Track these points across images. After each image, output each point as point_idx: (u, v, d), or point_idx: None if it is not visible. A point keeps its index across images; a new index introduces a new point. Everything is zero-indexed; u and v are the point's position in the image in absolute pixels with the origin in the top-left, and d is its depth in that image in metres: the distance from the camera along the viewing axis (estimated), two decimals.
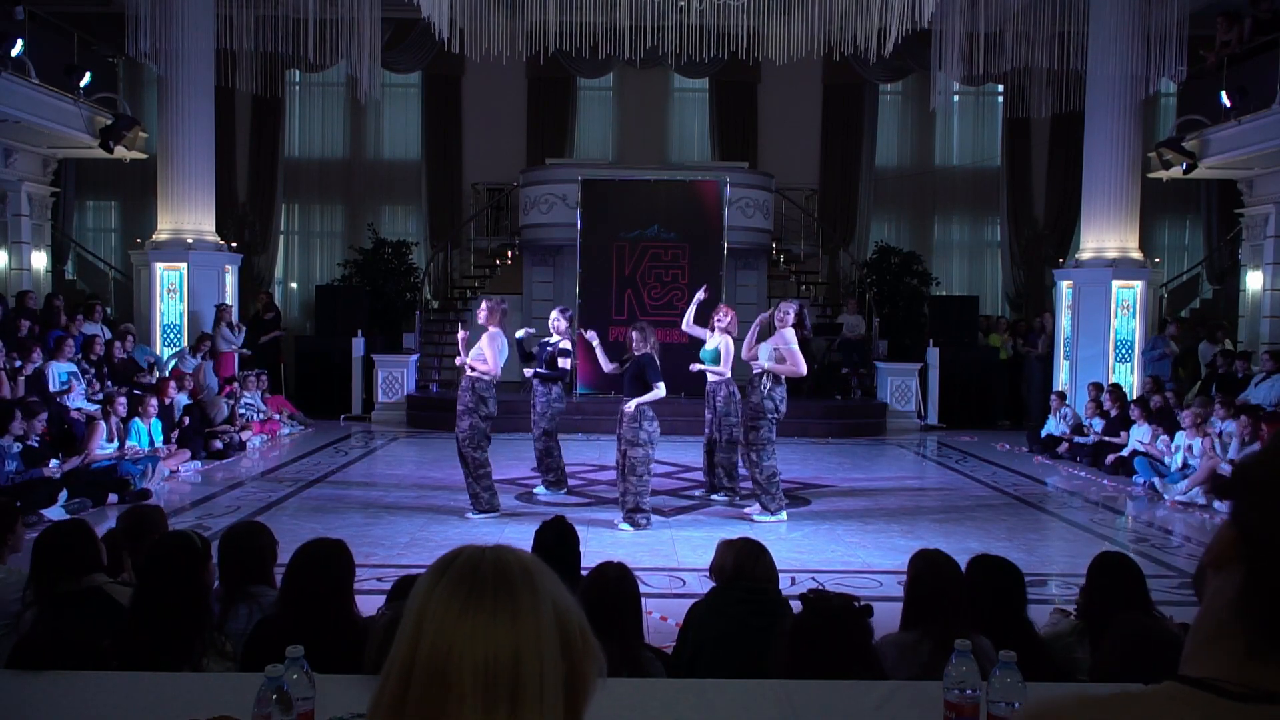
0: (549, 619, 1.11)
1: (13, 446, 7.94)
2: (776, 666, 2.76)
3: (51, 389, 9.74)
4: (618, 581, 3.20)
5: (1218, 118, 12.40)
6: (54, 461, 8.23)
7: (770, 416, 7.80)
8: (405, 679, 1.08)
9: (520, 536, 7.20)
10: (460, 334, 8.09)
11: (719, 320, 8.31)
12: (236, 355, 12.85)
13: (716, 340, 8.30)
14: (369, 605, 3.58)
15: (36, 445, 8.23)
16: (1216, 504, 8.55)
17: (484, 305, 8.01)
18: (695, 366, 8.30)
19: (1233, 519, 1.02)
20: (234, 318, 13.04)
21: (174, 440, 10.10)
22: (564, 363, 8.62)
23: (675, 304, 13.31)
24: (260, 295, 14.70)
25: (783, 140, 16.45)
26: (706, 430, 8.53)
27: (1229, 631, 0.98)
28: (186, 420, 10.44)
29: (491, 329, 7.81)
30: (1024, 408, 14.46)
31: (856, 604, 2.83)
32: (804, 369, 8.09)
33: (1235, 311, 14.04)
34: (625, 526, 7.47)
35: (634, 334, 7.63)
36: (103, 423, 9.08)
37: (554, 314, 8.81)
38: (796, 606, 2.98)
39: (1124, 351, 12.68)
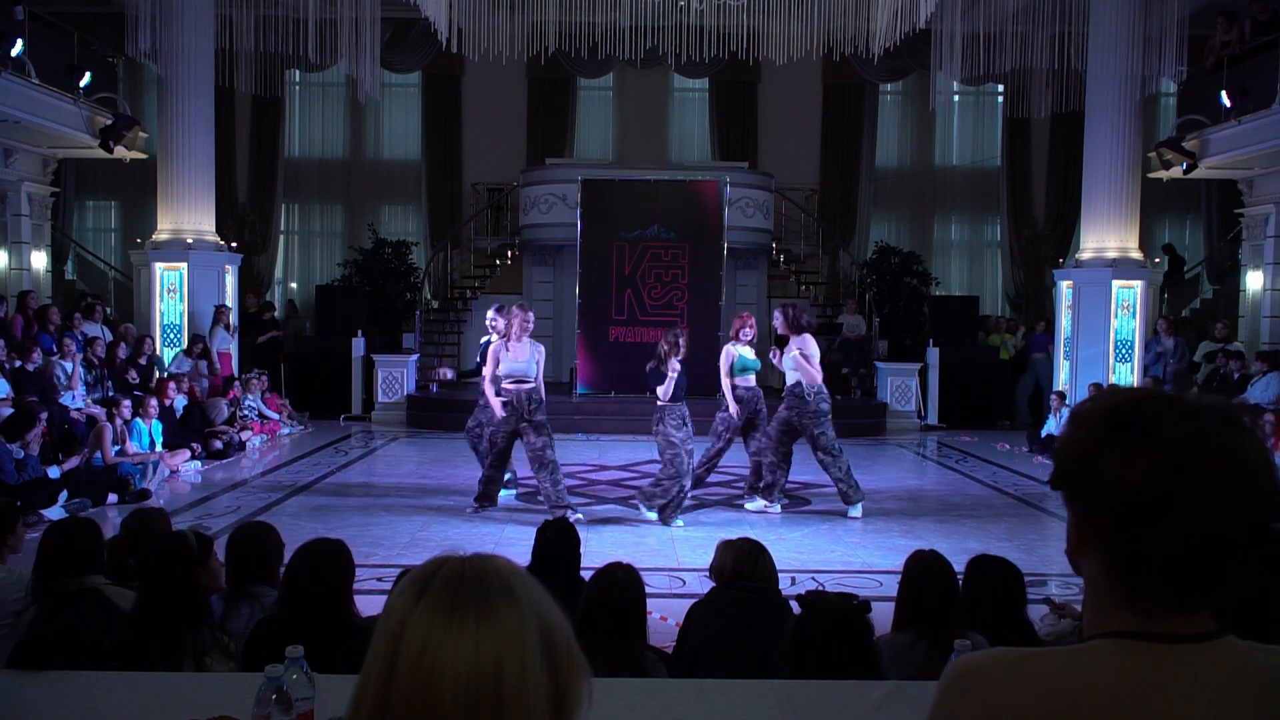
0: (533, 632, 1.04)
1: (17, 451, 7.95)
2: (782, 667, 2.77)
3: (62, 386, 9.76)
4: (624, 582, 3.20)
5: (1218, 118, 12.39)
6: (53, 470, 8.22)
7: (827, 416, 8.14)
8: (383, 700, 1.02)
9: (521, 536, 7.21)
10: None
11: (747, 334, 8.35)
12: (234, 356, 12.82)
13: (751, 353, 8.36)
14: (369, 605, 3.58)
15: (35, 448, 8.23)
16: None
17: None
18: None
19: (1070, 510, 1.18)
20: (233, 319, 12.99)
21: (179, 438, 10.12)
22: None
23: (675, 304, 13.33)
24: (249, 295, 14.60)
25: (783, 140, 16.45)
26: (733, 435, 8.41)
27: (1115, 601, 1.14)
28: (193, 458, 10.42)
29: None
30: (1015, 408, 14.53)
31: (855, 601, 2.84)
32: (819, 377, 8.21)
33: (1236, 311, 14.04)
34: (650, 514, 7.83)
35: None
36: (109, 425, 9.07)
37: (490, 313, 8.62)
38: (797, 607, 2.98)
39: (1124, 351, 12.68)
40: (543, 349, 8.00)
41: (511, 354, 7.73)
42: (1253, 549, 1.11)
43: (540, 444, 7.70)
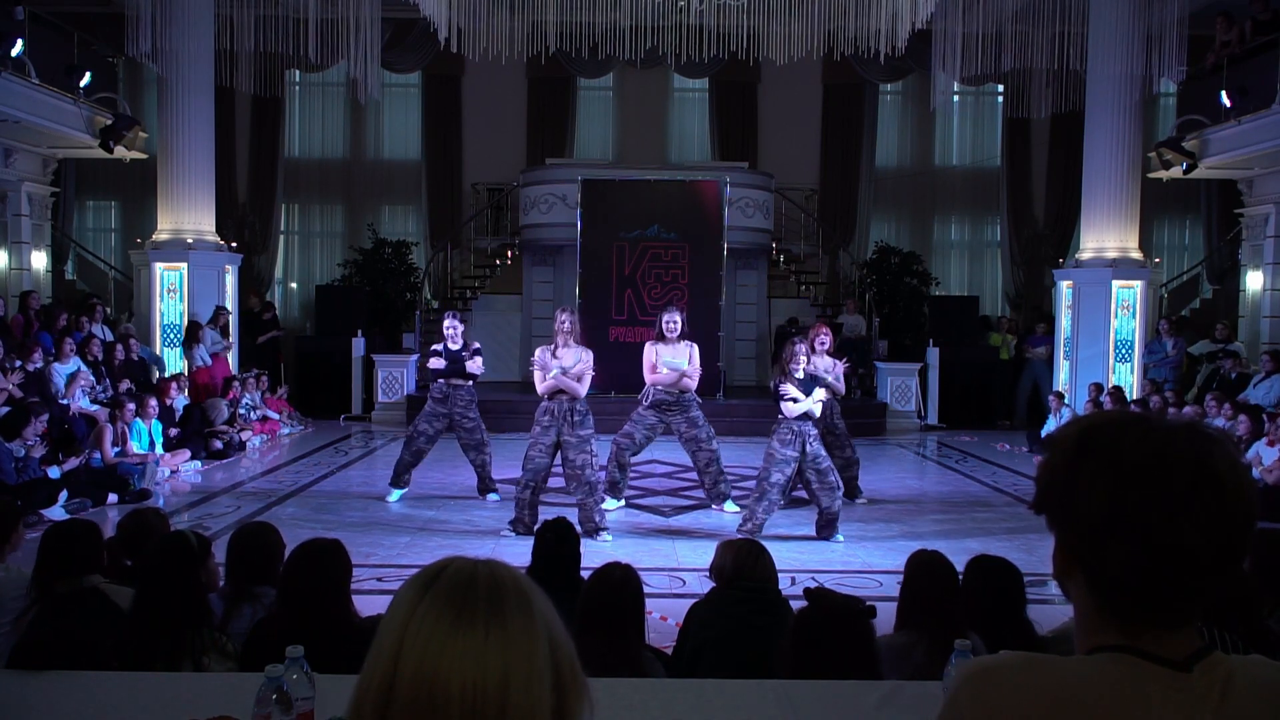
0: (542, 645, 1.03)
1: (18, 450, 7.95)
2: (782, 666, 2.77)
3: (59, 388, 9.76)
4: (622, 582, 3.20)
5: (1218, 118, 12.39)
6: (53, 470, 8.22)
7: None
8: (384, 702, 1.00)
9: (521, 539, 7.21)
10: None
11: (822, 345, 8.47)
12: (229, 356, 12.76)
13: (829, 363, 8.44)
14: (369, 605, 3.58)
15: (34, 443, 8.23)
16: None
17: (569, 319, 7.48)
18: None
19: (1053, 533, 1.20)
20: (231, 321, 12.92)
21: (173, 437, 10.11)
22: (476, 366, 8.43)
23: (675, 304, 13.31)
24: (251, 296, 14.65)
25: (783, 140, 16.45)
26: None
27: (1101, 621, 1.16)
28: (175, 432, 10.41)
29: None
30: (1014, 408, 14.57)
31: (862, 605, 2.83)
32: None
33: (1236, 311, 14.04)
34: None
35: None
36: (109, 425, 9.07)
37: (449, 321, 8.51)
38: (797, 606, 2.98)
39: (1124, 352, 12.68)
40: (590, 354, 7.39)
41: (559, 361, 7.30)
42: (1227, 563, 1.11)
43: (581, 462, 7.24)
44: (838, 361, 8.60)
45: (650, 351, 8.09)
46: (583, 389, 7.32)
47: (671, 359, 8.04)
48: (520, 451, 7.71)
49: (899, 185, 17.02)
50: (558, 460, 7.45)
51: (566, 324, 7.41)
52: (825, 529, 7.38)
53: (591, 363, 7.41)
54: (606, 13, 12.08)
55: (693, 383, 8.09)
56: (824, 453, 7.31)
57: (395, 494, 8.60)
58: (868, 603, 2.86)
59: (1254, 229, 13.54)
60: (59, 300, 12.94)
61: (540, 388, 7.36)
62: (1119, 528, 1.11)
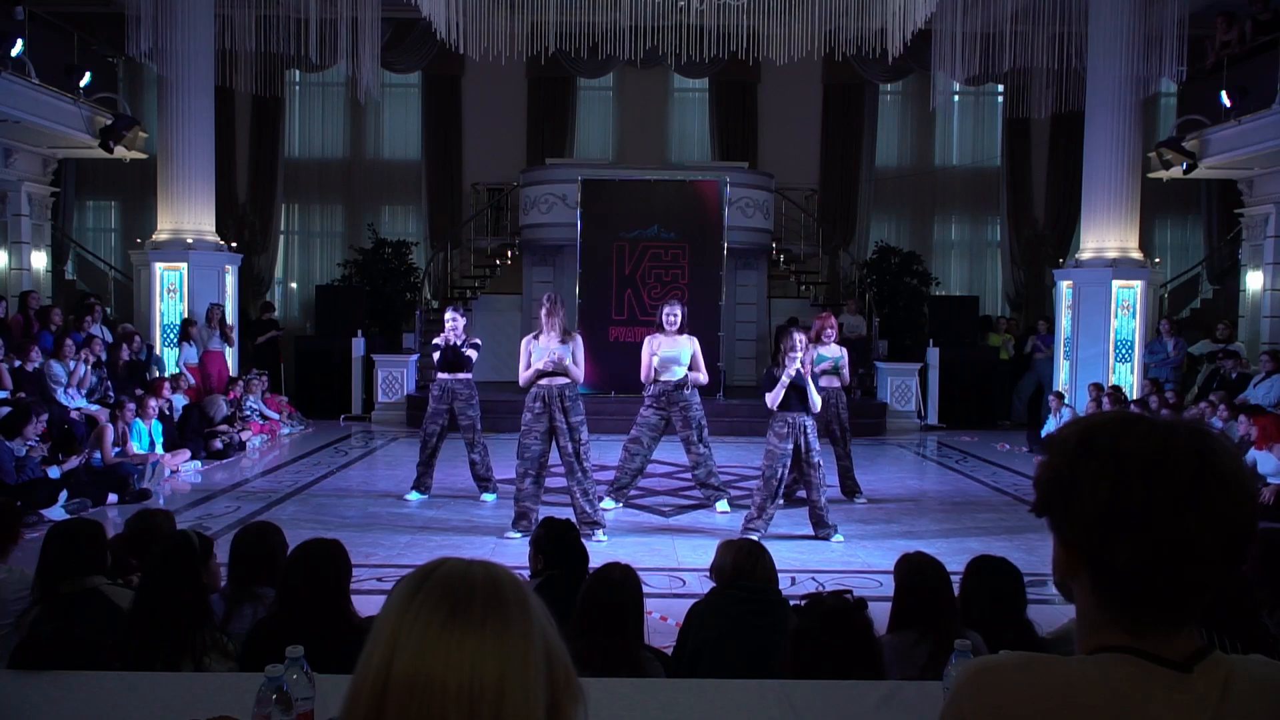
0: (539, 646, 1.02)
1: (18, 449, 7.95)
2: (783, 668, 2.77)
3: (60, 385, 9.77)
4: (621, 582, 3.20)
5: (1218, 118, 12.39)
6: (53, 470, 8.23)
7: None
8: (378, 701, 0.99)
9: (520, 541, 7.20)
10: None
11: (830, 335, 8.61)
12: (227, 355, 12.76)
13: (836, 350, 8.62)
14: (368, 605, 3.58)
15: (34, 445, 8.23)
16: None
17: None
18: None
19: (1056, 536, 1.20)
20: (230, 318, 12.92)
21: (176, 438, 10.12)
22: (471, 353, 8.52)
23: (675, 297, 13.32)
24: (256, 302, 14.71)
25: (783, 140, 16.45)
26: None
27: (1105, 620, 1.16)
28: (184, 414, 10.42)
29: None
30: (1010, 408, 14.61)
31: (849, 597, 2.83)
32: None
33: (1236, 311, 14.04)
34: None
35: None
36: (110, 426, 9.07)
37: (451, 314, 8.62)
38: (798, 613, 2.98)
39: (1124, 352, 12.68)
40: (579, 341, 7.30)
41: (542, 344, 7.18)
42: (1230, 559, 1.12)
43: (573, 449, 7.14)
44: (844, 349, 8.72)
45: (648, 345, 8.16)
46: (579, 372, 7.26)
47: (671, 351, 8.08)
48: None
49: (899, 185, 17.02)
50: (554, 456, 7.42)
51: (545, 310, 7.25)
52: (816, 526, 7.39)
53: (582, 351, 7.32)
54: (606, 13, 12.09)
55: (703, 378, 8.19)
56: (818, 447, 7.32)
57: (413, 495, 8.61)
58: (855, 595, 2.85)
59: (1254, 229, 13.55)
60: (55, 300, 12.94)
61: (522, 378, 7.25)
62: (1123, 524, 1.11)
